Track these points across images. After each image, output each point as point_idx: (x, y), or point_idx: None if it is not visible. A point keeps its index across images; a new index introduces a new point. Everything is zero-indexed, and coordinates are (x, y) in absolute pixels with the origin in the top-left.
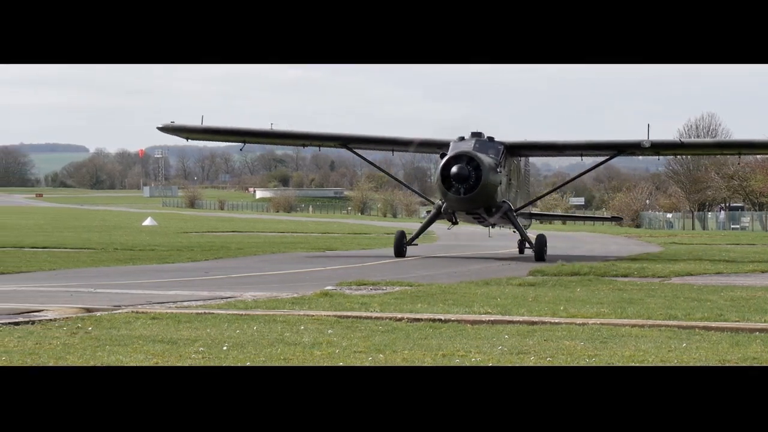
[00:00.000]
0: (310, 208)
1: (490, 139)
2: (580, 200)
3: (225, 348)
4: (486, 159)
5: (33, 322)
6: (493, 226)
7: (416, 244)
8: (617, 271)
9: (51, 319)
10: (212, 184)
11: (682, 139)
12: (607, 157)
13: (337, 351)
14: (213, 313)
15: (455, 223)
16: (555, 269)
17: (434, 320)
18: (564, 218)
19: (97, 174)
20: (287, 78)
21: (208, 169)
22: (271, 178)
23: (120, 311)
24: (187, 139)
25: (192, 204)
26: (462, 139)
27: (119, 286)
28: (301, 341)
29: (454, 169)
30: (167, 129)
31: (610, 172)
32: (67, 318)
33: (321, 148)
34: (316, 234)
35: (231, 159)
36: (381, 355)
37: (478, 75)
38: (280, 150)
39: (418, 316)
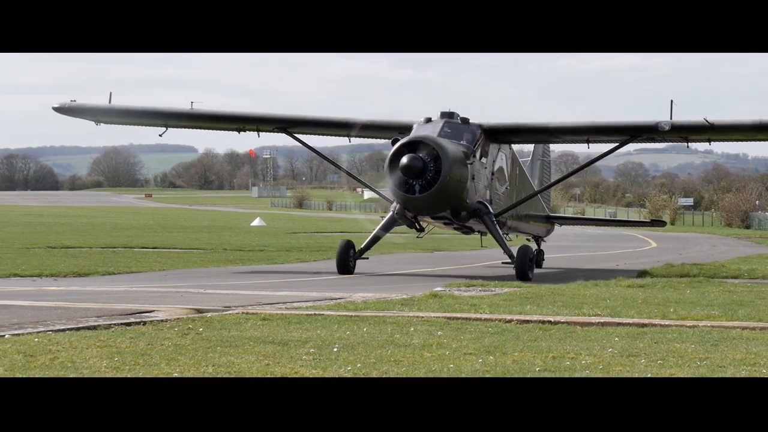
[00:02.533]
0: None
1: (465, 121)
2: (689, 201)
3: (335, 349)
4: (450, 147)
5: (144, 323)
6: (481, 233)
7: (366, 258)
8: (727, 272)
9: (162, 320)
10: (320, 185)
11: (710, 120)
12: (618, 144)
13: (447, 353)
14: (323, 315)
15: (420, 229)
16: (664, 270)
17: (544, 322)
18: (597, 223)
19: (205, 174)
20: (400, 78)
21: (316, 170)
22: (379, 178)
23: (230, 312)
24: (97, 122)
25: (300, 204)
26: (429, 120)
27: (229, 286)
28: (411, 343)
29: (404, 160)
30: (64, 110)
31: (719, 172)
32: (178, 319)
33: (259, 133)
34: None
35: (339, 159)
36: (491, 357)
37: (592, 74)
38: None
39: (527, 317)
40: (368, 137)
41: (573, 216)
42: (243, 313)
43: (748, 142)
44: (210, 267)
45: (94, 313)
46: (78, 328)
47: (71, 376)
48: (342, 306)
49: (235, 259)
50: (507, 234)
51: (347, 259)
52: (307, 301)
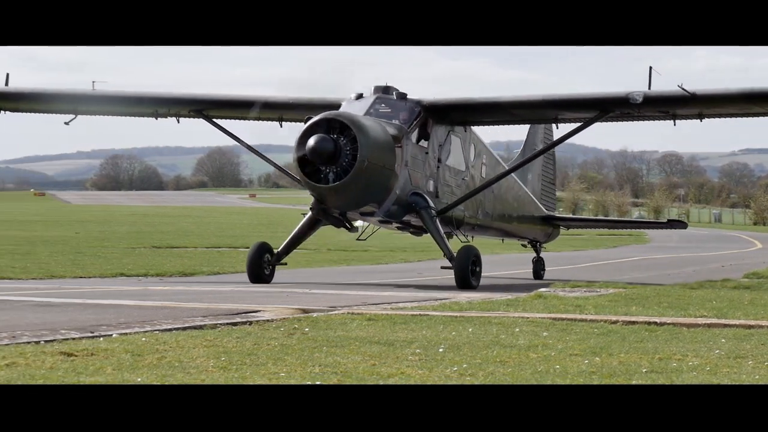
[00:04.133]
0: None
1: (401, 96)
2: None
3: (441, 350)
4: (372, 126)
5: (250, 323)
6: (451, 236)
7: (285, 264)
8: None
9: (268, 320)
10: None
11: (689, 89)
12: (586, 120)
13: (552, 353)
14: (428, 315)
15: (350, 228)
16: None
17: (649, 323)
18: (608, 224)
19: None
20: (509, 78)
21: None
22: None
23: (336, 312)
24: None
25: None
26: (360, 97)
27: (334, 287)
28: (517, 343)
29: (311, 141)
30: None
31: None
32: (283, 319)
33: (179, 119)
34: None
35: None
36: (597, 358)
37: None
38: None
39: (633, 318)
40: (291, 120)
41: (578, 217)
42: (348, 313)
43: (746, 118)
44: (314, 267)
45: (200, 313)
46: (185, 328)
47: (179, 375)
48: (447, 306)
49: (339, 259)
50: (469, 236)
51: (260, 266)
52: (412, 302)
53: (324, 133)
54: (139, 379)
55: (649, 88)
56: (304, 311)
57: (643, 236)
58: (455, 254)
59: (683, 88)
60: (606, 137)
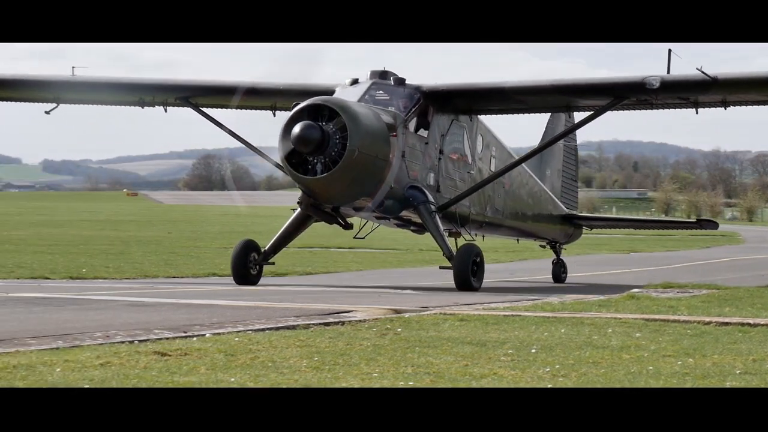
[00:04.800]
0: (614, 210)
1: (400, 82)
2: None
3: (533, 350)
4: (364, 113)
5: (343, 323)
6: (458, 234)
7: (272, 263)
8: None
9: (360, 320)
10: None
11: (710, 72)
12: (599, 108)
13: (645, 354)
14: (520, 315)
15: (346, 226)
16: None
17: (743, 324)
18: (637, 224)
19: None
20: None
21: None
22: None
23: (428, 312)
24: None
25: None
26: (355, 82)
27: (425, 287)
28: (610, 344)
29: (296, 129)
30: None
31: None
32: (376, 319)
33: (166, 108)
34: (620, 236)
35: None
36: (690, 359)
37: None
38: (583, 151)
39: (726, 319)
40: (285, 108)
41: (602, 216)
42: (441, 313)
43: None
44: (406, 267)
45: (293, 313)
46: (277, 328)
47: (272, 375)
48: (539, 307)
49: (431, 259)
50: (478, 234)
51: (245, 265)
52: (504, 302)
53: (311, 120)
54: (232, 380)
55: (668, 72)
56: (396, 311)
57: (736, 237)
58: (455, 253)
59: (703, 72)
60: (698, 137)
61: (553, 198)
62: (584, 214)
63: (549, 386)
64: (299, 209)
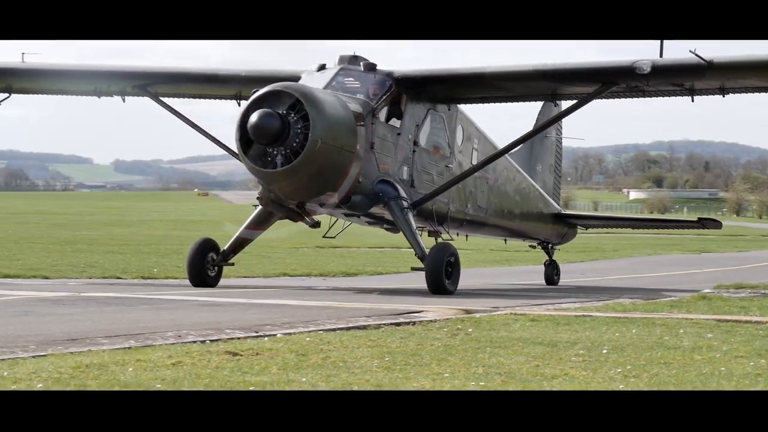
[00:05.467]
0: (684, 210)
1: (371, 67)
2: None
3: (605, 351)
4: (328, 100)
5: (414, 323)
6: (437, 234)
7: (232, 264)
8: None
9: (431, 320)
10: (586, 185)
11: (705, 56)
12: (586, 95)
13: (717, 355)
14: (591, 316)
15: (313, 224)
16: None
17: None
18: (635, 224)
19: None
20: None
21: (581, 170)
22: (645, 179)
23: (498, 313)
24: None
25: (566, 205)
26: (323, 68)
27: (494, 286)
28: (681, 345)
29: (253, 118)
30: None
31: None
32: (446, 319)
33: (124, 98)
34: (690, 236)
35: (605, 160)
36: (762, 361)
37: None
38: (654, 151)
39: None
40: (247, 98)
41: (597, 215)
42: (511, 313)
43: None
44: (477, 267)
45: (363, 313)
46: (348, 328)
47: (343, 375)
48: (610, 307)
49: (501, 259)
50: (461, 234)
51: (203, 266)
52: (575, 303)
53: (270, 108)
54: (303, 380)
55: (661, 56)
56: (467, 311)
57: None
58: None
59: (697, 55)
60: None
61: (543, 195)
62: (579, 212)
63: (621, 387)
64: (260, 206)
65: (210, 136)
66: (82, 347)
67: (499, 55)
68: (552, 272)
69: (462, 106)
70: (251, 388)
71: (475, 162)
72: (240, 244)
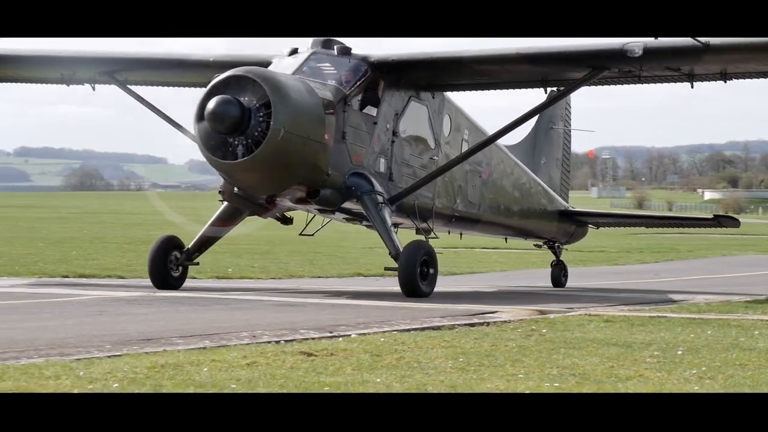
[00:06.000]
0: (759, 210)
1: (345, 52)
2: None
3: (680, 352)
4: (294, 86)
5: (488, 324)
6: (425, 232)
7: (197, 263)
8: None
9: (505, 321)
10: (660, 185)
11: (703, 39)
12: (575, 81)
13: None
14: (666, 317)
15: (284, 220)
16: None
17: None
18: (649, 222)
19: None
20: None
21: (655, 170)
22: (720, 179)
23: (573, 313)
24: None
25: (640, 205)
26: (294, 52)
27: (568, 287)
28: (757, 346)
29: (210, 105)
30: None
31: None
32: (521, 320)
33: (94, 86)
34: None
35: (679, 160)
36: None
37: None
38: (728, 151)
39: None
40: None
41: (608, 212)
42: (585, 314)
43: None
44: (549, 268)
45: (437, 313)
46: (422, 328)
47: (417, 375)
48: (685, 308)
49: (575, 259)
50: (453, 231)
51: (165, 266)
52: (649, 303)
53: (230, 95)
54: (378, 380)
55: (655, 38)
56: (541, 312)
57: None
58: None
59: (693, 38)
60: None
61: (547, 191)
62: (588, 210)
63: (695, 389)
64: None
65: (181, 127)
66: (157, 347)
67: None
68: (559, 273)
69: (451, 95)
70: (326, 389)
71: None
72: (205, 242)
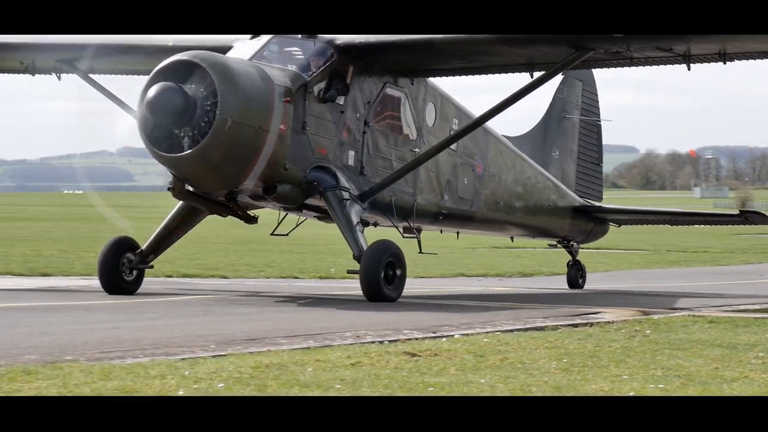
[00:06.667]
0: None
1: (310, 35)
2: None
3: None
4: (245, 72)
5: (591, 325)
6: (416, 232)
7: (151, 266)
8: None
9: (608, 322)
10: (763, 185)
11: None
12: (561, 63)
13: None
14: None
15: (249, 219)
16: None
17: None
18: (674, 219)
19: (647, 175)
20: None
21: (759, 170)
22: None
23: (676, 314)
24: None
25: (743, 205)
26: (256, 35)
27: (673, 288)
28: None
29: (150, 93)
30: None
31: None
32: (624, 320)
33: (59, 76)
34: None
35: None
36: None
37: None
38: None
39: None
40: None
41: (628, 208)
42: (689, 315)
43: None
44: (653, 268)
45: (540, 314)
46: (526, 329)
47: (521, 376)
48: None
49: (678, 260)
50: (445, 231)
51: (116, 269)
52: (754, 304)
53: (173, 82)
54: (482, 381)
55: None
56: (645, 313)
57: None
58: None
59: None
60: None
61: (558, 186)
62: (607, 206)
63: None
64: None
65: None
66: (262, 347)
67: None
68: (576, 274)
69: (437, 81)
70: (430, 389)
71: (452, 146)
72: (160, 243)
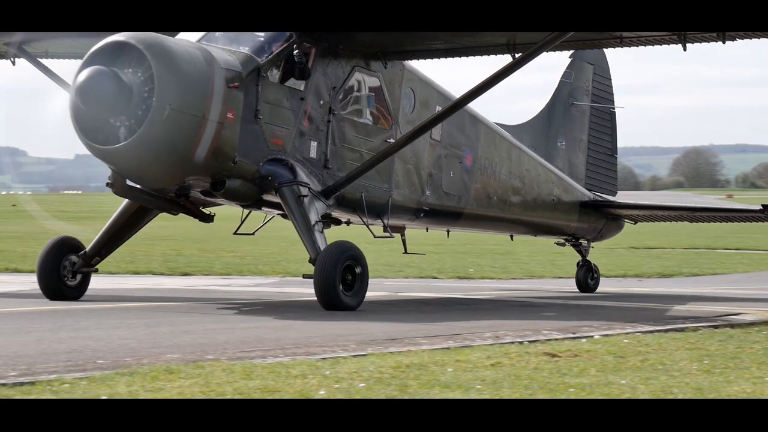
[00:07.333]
0: None
1: None
2: None
3: None
4: (187, 54)
5: (732, 326)
6: (398, 230)
7: (96, 270)
8: None
9: (750, 323)
10: None
11: None
12: (544, 41)
13: None
14: None
15: (204, 217)
16: None
17: None
18: (691, 214)
19: None
20: None
21: None
22: None
23: None
24: None
25: None
26: None
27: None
28: None
29: (81, 77)
30: None
31: None
32: (766, 321)
33: (14, 61)
34: None
35: None
36: None
37: None
38: None
39: None
40: None
41: (644, 203)
42: None
43: None
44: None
45: (680, 315)
46: (666, 330)
47: (662, 377)
48: None
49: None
50: (431, 230)
51: (57, 272)
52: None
53: (106, 66)
54: (623, 382)
55: None
56: None
57: None
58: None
59: None
60: None
61: (562, 179)
62: (620, 201)
63: None
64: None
65: None
66: (402, 347)
67: None
68: (586, 276)
69: (414, 64)
70: (570, 390)
71: (436, 135)
72: (106, 244)
